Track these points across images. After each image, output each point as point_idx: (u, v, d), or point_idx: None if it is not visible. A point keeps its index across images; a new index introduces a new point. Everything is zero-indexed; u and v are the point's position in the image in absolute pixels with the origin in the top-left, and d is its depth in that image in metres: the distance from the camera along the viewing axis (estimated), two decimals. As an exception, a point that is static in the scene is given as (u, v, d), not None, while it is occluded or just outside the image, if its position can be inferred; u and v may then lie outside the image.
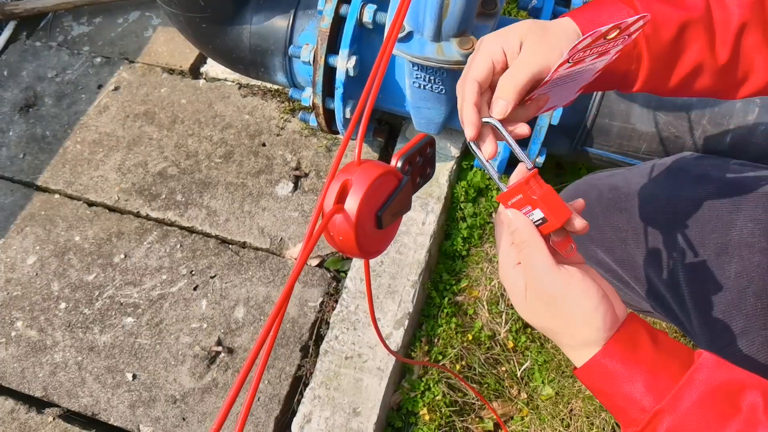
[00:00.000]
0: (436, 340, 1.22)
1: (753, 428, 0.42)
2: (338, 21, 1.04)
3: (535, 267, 0.49)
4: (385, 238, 0.48)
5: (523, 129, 0.54)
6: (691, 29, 0.56)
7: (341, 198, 0.44)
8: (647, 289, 0.78)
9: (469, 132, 0.52)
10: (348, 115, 1.09)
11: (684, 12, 0.56)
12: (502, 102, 0.52)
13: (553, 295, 0.48)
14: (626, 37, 0.50)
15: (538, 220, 0.50)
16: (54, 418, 1.13)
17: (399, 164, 0.47)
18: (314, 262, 1.29)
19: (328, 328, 1.17)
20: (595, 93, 1.07)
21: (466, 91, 0.53)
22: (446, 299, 1.25)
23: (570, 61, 0.50)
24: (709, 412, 0.43)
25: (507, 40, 0.53)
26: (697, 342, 0.72)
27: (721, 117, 1.03)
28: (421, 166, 0.51)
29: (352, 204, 0.43)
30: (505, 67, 0.54)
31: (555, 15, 1.02)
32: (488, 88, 0.55)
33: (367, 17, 1.00)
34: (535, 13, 1.03)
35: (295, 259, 1.29)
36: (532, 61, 0.52)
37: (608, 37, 0.49)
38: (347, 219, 0.43)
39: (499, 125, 0.52)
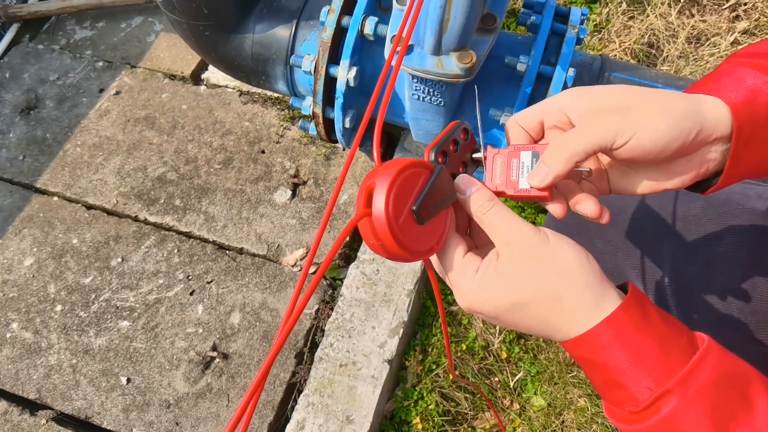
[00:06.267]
0: (430, 350, 1.23)
1: None
2: (340, 32, 1.05)
3: (477, 283, 0.46)
4: (432, 234, 0.46)
5: (589, 209, 0.48)
6: None
7: (369, 203, 0.43)
8: None
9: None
10: (348, 125, 1.11)
11: None
12: (544, 169, 0.46)
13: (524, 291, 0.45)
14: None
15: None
16: (47, 421, 1.13)
17: (432, 156, 0.46)
18: (311, 269, 1.30)
19: (323, 336, 1.17)
20: None
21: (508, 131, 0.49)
22: (441, 309, 1.26)
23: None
24: (719, 399, 0.40)
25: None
26: None
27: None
28: (459, 154, 0.49)
29: (378, 204, 0.42)
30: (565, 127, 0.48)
31: (553, 31, 1.03)
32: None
33: (368, 29, 1.01)
34: (534, 29, 1.04)
35: (292, 266, 1.30)
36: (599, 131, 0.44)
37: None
38: (378, 221, 0.42)
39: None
